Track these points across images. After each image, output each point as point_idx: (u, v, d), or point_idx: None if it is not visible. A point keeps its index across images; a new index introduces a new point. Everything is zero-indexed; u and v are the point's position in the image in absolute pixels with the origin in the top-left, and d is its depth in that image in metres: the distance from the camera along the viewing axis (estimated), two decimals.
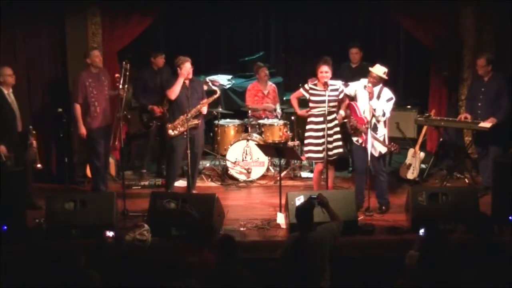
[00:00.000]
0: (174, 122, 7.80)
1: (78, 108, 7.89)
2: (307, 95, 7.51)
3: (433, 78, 9.31)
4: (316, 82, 7.49)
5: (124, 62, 7.77)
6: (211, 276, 5.11)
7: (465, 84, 8.91)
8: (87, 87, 7.87)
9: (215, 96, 7.98)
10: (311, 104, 7.51)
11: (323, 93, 7.32)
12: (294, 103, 7.77)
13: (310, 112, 7.53)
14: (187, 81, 7.82)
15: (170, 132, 7.82)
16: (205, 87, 8.23)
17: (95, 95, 7.91)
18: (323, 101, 7.31)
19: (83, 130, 7.90)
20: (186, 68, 7.72)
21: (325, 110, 7.30)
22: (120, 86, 7.60)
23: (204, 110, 7.92)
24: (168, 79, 8.18)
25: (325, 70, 7.32)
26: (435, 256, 4.84)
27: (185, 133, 7.71)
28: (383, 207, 7.46)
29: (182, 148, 7.85)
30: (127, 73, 7.62)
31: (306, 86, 7.55)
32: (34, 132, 7.75)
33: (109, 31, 8.88)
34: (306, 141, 7.61)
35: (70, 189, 8.22)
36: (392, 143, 7.33)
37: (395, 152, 7.51)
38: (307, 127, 7.57)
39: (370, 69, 7.31)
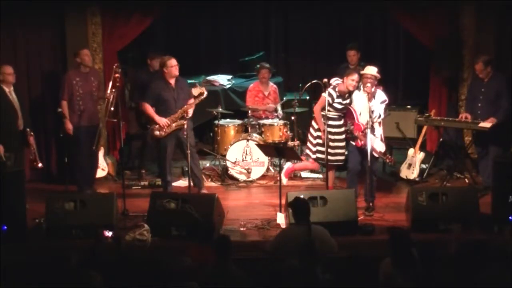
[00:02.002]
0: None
1: (64, 105, 7.89)
2: (330, 100, 7.54)
3: (433, 78, 9.31)
4: (342, 84, 7.56)
5: (115, 66, 7.76)
6: (207, 276, 5.09)
7: (465, 84, 8.91)
8: (74, 85, 7.87)
9: (202, 98, 7.92)
10: (331, 109, 7.61)
11: (346, 100, 7.59)
12: (319, 117, 7.71)
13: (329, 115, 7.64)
14: (172, 81, 7.82)
15: (156, 133, 7.83)
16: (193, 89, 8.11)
17: (81, 94, 7.91)
18: (344, 108, 7.59)
19: (69, 126, 7.89)
20: (172, 64, 7.72)
21: (341, 114, 7.63)
22: (109, 90, 7.62)
23: (190, 112, 7.81)
24: (147, 81, 8.19)
25: (356, 80, 7.42)
26: (407, 257, 4.80)
27: (185, 132, 7.71)
28: (371, 204, 7.48)
29: (170, 148, 7.90)
30: (117, 75, 7.62)
31: (331, 92, 7.55)
32: (32, 133, 7.76)
33: (109, 31, 8.88)
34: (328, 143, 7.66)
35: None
36: (388, 155, 7.61)
37: (389, 164, 7.89)
38: (329, 129, 7.62)
39: (363, 72, 7.41)
